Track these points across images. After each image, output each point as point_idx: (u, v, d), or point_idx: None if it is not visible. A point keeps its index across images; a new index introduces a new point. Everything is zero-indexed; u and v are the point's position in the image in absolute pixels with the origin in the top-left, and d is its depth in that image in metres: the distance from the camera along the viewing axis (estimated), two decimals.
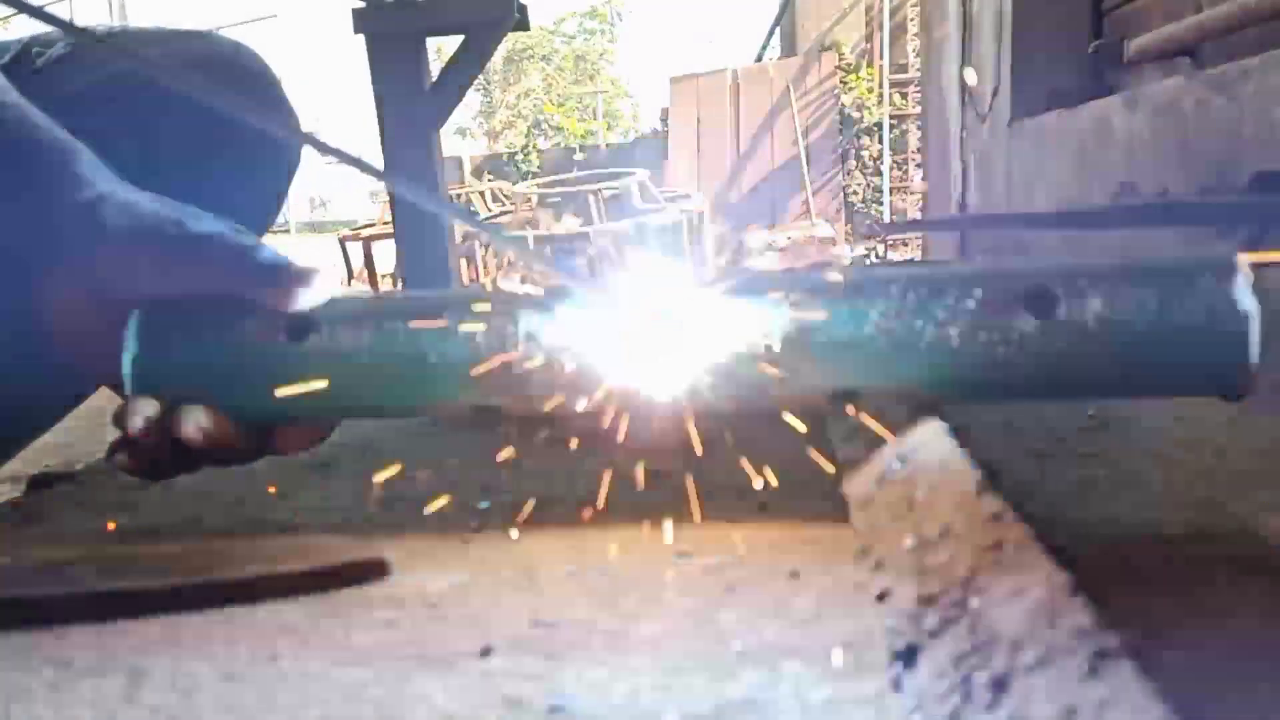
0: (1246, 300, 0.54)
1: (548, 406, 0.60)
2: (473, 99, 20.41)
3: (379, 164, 2.85)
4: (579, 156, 11.39)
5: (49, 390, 0.87)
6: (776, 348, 0.57)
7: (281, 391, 0.60)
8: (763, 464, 0.79)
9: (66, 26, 0.57)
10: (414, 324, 0.60)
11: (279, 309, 0.60)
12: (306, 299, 0.60)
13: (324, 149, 0.59)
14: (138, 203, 0.62)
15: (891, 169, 9.96)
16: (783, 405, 0.61)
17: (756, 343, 0.57)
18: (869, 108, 10.41)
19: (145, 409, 0.58)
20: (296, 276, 0.60)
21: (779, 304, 0.57)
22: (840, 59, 10.25)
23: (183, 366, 0.60)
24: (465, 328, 0.59)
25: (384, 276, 7.14)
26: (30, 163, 0.64)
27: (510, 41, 16.62)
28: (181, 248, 0.61)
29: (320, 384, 0.60)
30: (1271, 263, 1.18)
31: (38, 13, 0.53)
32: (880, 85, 10.06)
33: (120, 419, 0.59)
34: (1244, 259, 0.56)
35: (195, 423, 0.58)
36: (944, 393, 0.60)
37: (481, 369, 0.59)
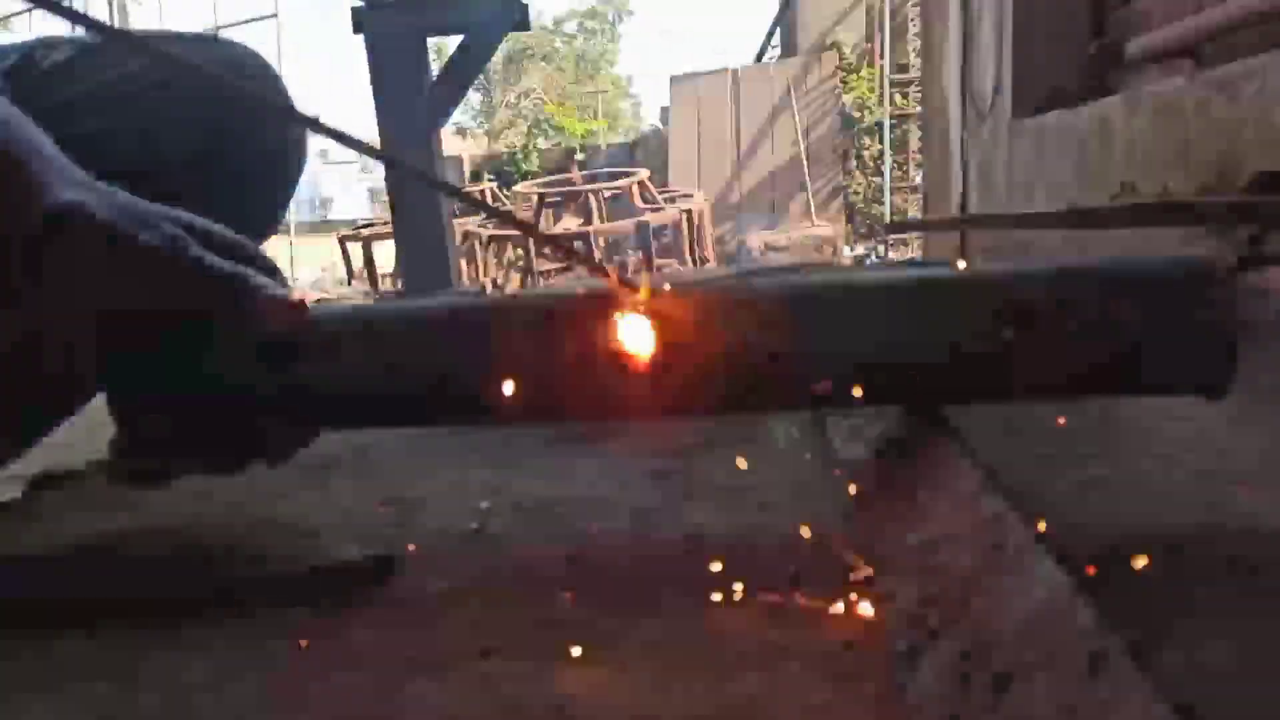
0: (1224, 298, 0.54)
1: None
2: (473, 99, 20.39)
3: (378, 165, 2.84)
4: (580, 156, 11.37)
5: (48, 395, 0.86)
6: None
7: (261, 419, 0.61)
8: (764, 463, 0.79)
9: (85, 21, 0.55)
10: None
11: (247, 332, 0.58)
12: (279, 325, 0.58)
13: (330, 134, 0.57)
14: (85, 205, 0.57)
15: (893, 168, 9.95)
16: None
17: None
18: (870, 107, 10.40)
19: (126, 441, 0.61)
20: (269, 303, 0.58)
21: None
22: (841, 59, 10.23)
23: (157, 399, 0.60)
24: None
25: (384, 276, 7.14)
26: None
27: (510, 41, 16.60)
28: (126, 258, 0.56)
29: (303, 408, 0.60)
30: (1269, 262, 1.18)
31: (56, 7, 0.52)
32: (881, 85, 10.05)
33: (113, 447, 0.62)
34: (1223, 259, 0.56)
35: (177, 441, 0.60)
36: (932, 392, 0.60)
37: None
